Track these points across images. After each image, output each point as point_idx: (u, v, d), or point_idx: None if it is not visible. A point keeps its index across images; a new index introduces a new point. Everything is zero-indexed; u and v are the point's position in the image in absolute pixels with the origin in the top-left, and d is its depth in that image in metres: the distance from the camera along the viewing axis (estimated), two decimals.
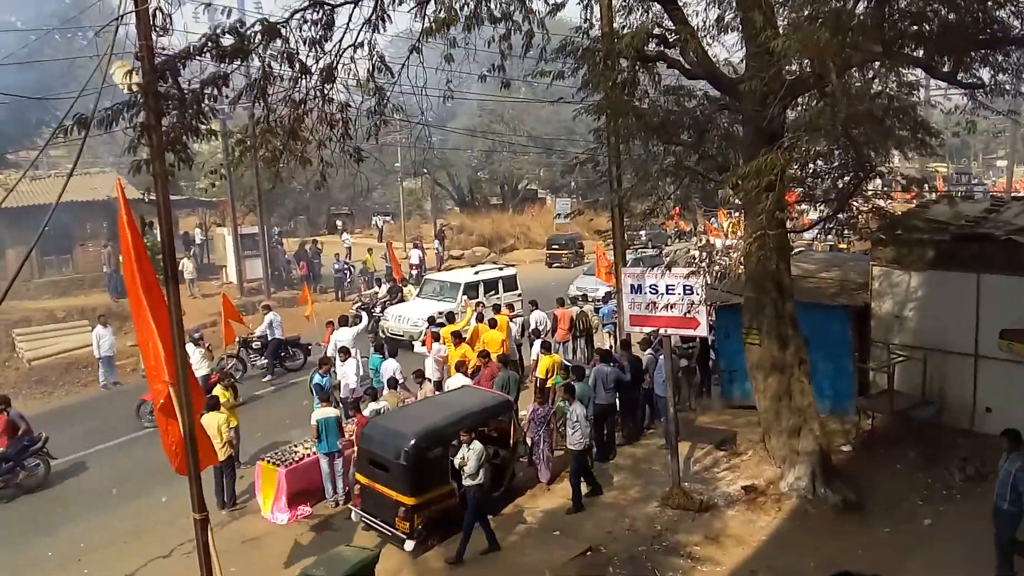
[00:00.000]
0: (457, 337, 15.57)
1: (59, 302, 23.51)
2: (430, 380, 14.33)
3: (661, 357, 12.79)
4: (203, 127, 7.23)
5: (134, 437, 14.94)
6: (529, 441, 12.18)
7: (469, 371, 14.13)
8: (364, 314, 19.89)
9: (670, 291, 10.80)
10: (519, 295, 22.64)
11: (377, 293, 24.29)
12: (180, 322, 7.74)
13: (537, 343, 15.66)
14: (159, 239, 7.83)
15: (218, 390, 12.51)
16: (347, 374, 14.45)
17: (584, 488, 11.41)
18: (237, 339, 18.41)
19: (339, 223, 43.66)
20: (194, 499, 7.86)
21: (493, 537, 10.14)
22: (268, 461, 11.84)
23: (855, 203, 11.76)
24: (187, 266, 26.18)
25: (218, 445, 11.67)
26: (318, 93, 7.77)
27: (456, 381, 13.58)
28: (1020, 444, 8.95)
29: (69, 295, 24.28)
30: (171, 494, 11.93)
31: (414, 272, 30.10)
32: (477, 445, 10.17)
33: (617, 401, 13.25)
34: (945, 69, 10.75)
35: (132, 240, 7.98)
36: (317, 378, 14.06)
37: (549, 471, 11.96)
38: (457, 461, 10.26)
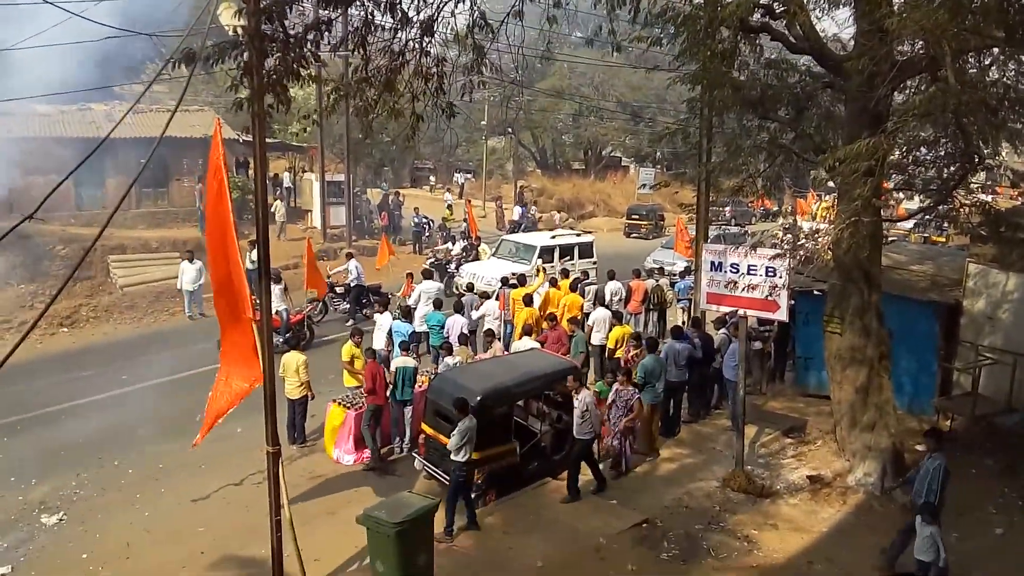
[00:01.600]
0: (528, 300, 15.62)
1: (153, 233, 24.50)
2: (499, 339, 14.44)
3: (733, 342, 12.59)
4: (303, 71, 7.34)
5: (214, 368, 15.52)
6: (607, 428, 11.43)
7: (535, 336, 14.22)
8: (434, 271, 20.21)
9: (752, 272, 10.56)
10: (594, 263, 22.52)
11: (451, 249, 24.42)
12: (267, 259, 7.99)
13: (596, 312, 15.52)
14: (251, 178, 8.05)
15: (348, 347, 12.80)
16: (455, 322, 14.71)
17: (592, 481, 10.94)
18: (328, 282, 18.96)
19: (443, 184, 44.16)
20: (268, 433, 8.18)
21: (474, 517, 9.81)
22: (339, 403, 12.20)
23: (958, 195, 11.22)
24: (279, 208, 26.90)
25: (296, 384, 12.13)
26: (416, 45, 7.79)
27: (524, 344, 13.66)
28: (942, 443, 9.27)
29: (163, 227, 25.26)
30: (246, 425, 12.37)
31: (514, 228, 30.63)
32: (466, 422, 9.66)
33: (687, 379, 13.13)
34: None
35: (219, 178, 8.24)
36: (398, 325, 14.34)
37: (628, 461, 11.40)
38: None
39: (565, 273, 18.34)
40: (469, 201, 31.17)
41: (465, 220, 31.03)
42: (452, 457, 9.73)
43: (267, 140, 10.00)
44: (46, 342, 17.68)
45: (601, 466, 11.14)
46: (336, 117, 22.10)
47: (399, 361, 12.06)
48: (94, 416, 13.43)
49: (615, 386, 11.25)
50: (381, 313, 14.99)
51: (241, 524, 9.98)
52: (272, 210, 25.86)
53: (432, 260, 22.98)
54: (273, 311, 14.82)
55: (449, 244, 24.94)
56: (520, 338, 14.41)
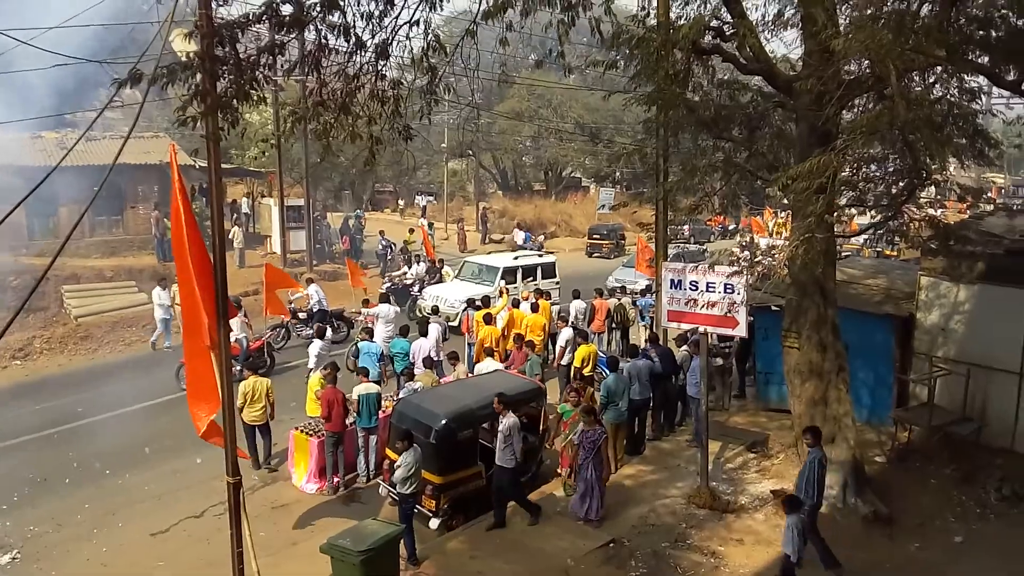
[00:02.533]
0: (488, 320, 15.62)
1: (108, 261, 24.03)
2: (463, 362, 14.39)
3: (694, 358, 12.71)
4: (255, 94, 7.29)
5: (173, 398, 15.27)
6: (569, 469, 10.95)
7: (499, 356, 14.21)
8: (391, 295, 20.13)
9: (711, 289, 10.69)
10: (557, 283, 22.62)
11: (407, 272, 24.08)
12: (225, 288, 7.88)
13: (564, 331, 15.55)
14: (206, 206, 7.97)
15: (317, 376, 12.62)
16: (420, 346, 14.63)
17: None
18: (290, 307, 18.73)
19: (421, 203, 44.11)
20: (228, 463, 8.02)
21: (413, 551, 9.54)
22: (301, 431, 12.03)
23: (907, 210, 11.50)
24: (237, 234, 26.57)
25: (260, 408, 11.97)
26: (371, 68, 7.79)
27: (488, 365, 13.63)
28: (819, 439, 9.65)
29: (118, 255, 24.79)
30: (206, 456, 12.22)
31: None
32: (410, 454, 9.53)
33: (651, 396, 13.22)
34: (1010, 77, 10.43)
35: (182, 204, 8.14)
36: (366, 346, 14.47)
37: (601, 507, 10.46)
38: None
39: (540, 293, 18.31)
40: (423, 224, 30.98)
41: (392, 245, 31.09)
42: (399, 489, 9.62)
43: (224, 166, 9.94)
44: None
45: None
46: (294, 141, 21.98)
47: (361, 388, 11.95)
48: (48, 450, 13.08)
49: (580, 426, 10.50)
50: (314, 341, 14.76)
51: (202, 557, 9.76)
52: (229, 236, 25.55)
53: (389, 284, 22.60)
54: (232, 339, 14.77)
55: (405, 268, 24.52)
56: (480, 358, 14.41)
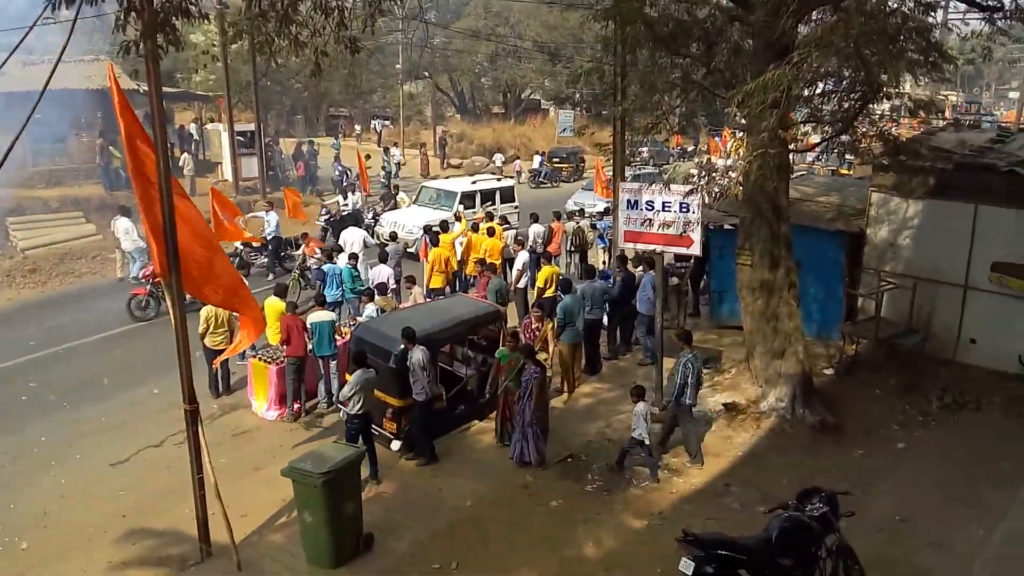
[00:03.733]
0: (435, 241, 15.79)
1: (53, 192, 23.23)
2: (419, 285, 14.34)
3: (648, 275, 12.84)
4: (192, 8, 6.97)
5: (126, 330, 15.08)
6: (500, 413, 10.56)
7: (447, 278, 14.68)
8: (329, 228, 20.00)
9: (666, 208, 10.73)
10: (516, 207, 22.50)
11: (339, 202, 22.54)
12: (172, 215, 7.69)
13: (521, 255, 15.57)
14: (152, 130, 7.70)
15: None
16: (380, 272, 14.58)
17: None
18: (241, 242, 18.23)
19: (378, 127, 43.38)
20: (184, 390, 8.00)
21: (375, 470, 9.77)
22: (260, 359, 11.98)
23: (860, 126, 11.55)
24: (187, 161, 25.79)
25: (222, 335, 11.89)
26: None
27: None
28: (690, 342, 10.33)
29: (64, 185, 23.98)
30: (163, 386, 12.13)
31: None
32: (357, 376, 9.61)
33: (605, 317, 13.38)
34: None
35: (129, 125, 7.85)
36: (334, 267, 14.59)
37: (538, 451, 10.03)
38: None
39: (491, 217, 18.19)
40: (360, 152, 28.84)
41: (381, 167, 30.43)
42: (346, 409, 9.73)
43: (168, 89, 9.54)
44: None
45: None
46: (241, 61, 21.15)
47: (315, 316, 11.87)
48: (1, 384, 12.86)
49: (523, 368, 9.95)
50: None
51: (163, 486, 9.77)
52: (180, 163, 24.83)
53: (327, 215, 21.41)
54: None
55: (339, 197, 23.02)
56: (429, 279, 14.57)
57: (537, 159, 36.13)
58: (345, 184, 27.86)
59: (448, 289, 15.37)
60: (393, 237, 16.69)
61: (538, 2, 37.84)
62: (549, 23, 41.73)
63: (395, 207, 23.04)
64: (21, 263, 19.29)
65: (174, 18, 6.82)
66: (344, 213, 21.34)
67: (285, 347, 11.56)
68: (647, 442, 9.71)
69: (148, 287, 15.34)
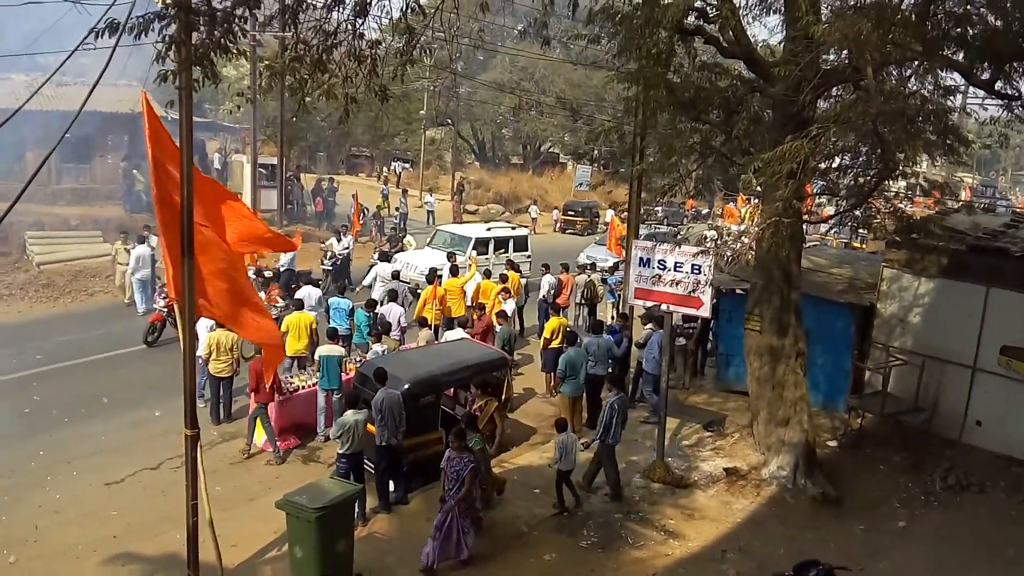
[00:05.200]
0: (430, 280, 15.98)
1: (74, 210, 23.61)
2: (429, 328, 14.41)
3: (656, 334, 12.87)
4: (232, 46, 7.20)
5: (133, 351, 15.14)
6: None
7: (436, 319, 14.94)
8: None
9: (678, 268, 10.80)
10: (528, 256, 22.64)
11: (333, 245, 20.87)
12: (192, 242, 7.80)
13: (509, 302, 15.57)
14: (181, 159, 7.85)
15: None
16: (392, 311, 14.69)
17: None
18: (252, 267, 18.37)
19: (397, 169, 43.76)
20: (187, 415, 8.00)
21: (362, 511, 9.68)
22: None
23: (875, 202, 11.68)
24: None
25: (226, 362, 11.94)
26: (349, 26, 7.72)
27: (455, 334, 13.69)
28: (618, 384, 11.04)
29: (84, 204, 24.37)
30: (164, 409, 12.17)
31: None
32: (346, 416, 9.57)
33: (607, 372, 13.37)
34: (984, 77, 10.60)
35: (159, 151, 8.02)
36: (337, 302, 14.73)
37: (467, 547, 8.81)
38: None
39: (511, 265, 18.34)
40: (356, 194, 27.69)
41: (396, 208, 30.63)
42: (337, 449, 9.69)
43: (198, 119, 9.81)
44: None
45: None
46: (270, 98, 21.60)
47: (324, 349, 11.93)
48: (4, 397, 12.90)
49: (447, 452, 8.99)
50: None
51: (157, 509, 9.74)
52: None
53: (330, 258, 20.51)
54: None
55: (333, 239, 21.25)
56: (418, 313, 14.98)
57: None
58: (340, 227, 28.09)
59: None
60: (395, 276, 16.74)
61: (563, 60, 38.62)
62: (573, 80, 42.51)
63: (402, 250, 23.10)
64: (36, 277, 19.51)
65: (212, 54, 7.03)
66: (341, 257, 20.67)
67: (253, 395, 11.48)
68: (562, 470, 10.12)
69: (165, 314, 15.10)
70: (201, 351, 11.89)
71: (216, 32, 6.81)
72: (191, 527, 8.02)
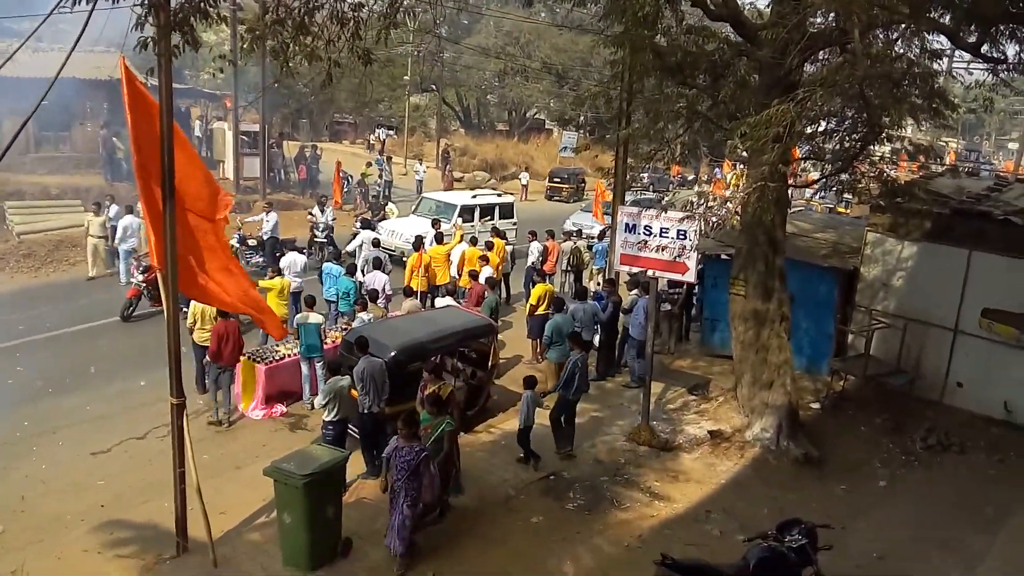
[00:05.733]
0: (417, 247, 16.11)
1: (54, 179, 23.19)
2: (415, 296, 14.38)
3: (641, 299, 12.92)
4: (212, 10, 7.05)
5: (116, 321, 15.04)
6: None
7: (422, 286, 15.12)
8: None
9: (664, 234, 10.80)
10: (515, 223, 22.58)
11: (314, 217, 20.32)
12: (173, 212, 7.72)
13: (486, 269, 15.55)
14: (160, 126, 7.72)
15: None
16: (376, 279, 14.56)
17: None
18: (236, 234, 18.30)
19: (381, 135, 42.83)
20: (172, 384, 7.99)
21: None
22: (249, 357, 11.98)
23: (860, 166, 11.69)
24: None
25: (208, 332, 11.86)
26: None
27: (444, 301, 13.70)
28: (580, 344, 11.04)
29: (64, 173, 23.95)
30: (150, 379, 12.11)
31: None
32: (331, 383, 9.73)
33: (596, 338, 13.43)
34: (971, 40, 10.56)
35: (139, 119, 7.88)
36: (331, 268, 14.73)
37: (403, 542, 8.04)
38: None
39: (496, 232, 18.28)
40: (339, 163, 27.76)
41: (379, 176, 30.35)
42: (323, 417, 9.76)
43: (177, 86, 9.63)
44: None
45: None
46: (250, 63, 21.22)
47: (301, 317, 11.94)
48: None
49: (393, 440, 8.18)
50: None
51: (144, 478, 9.74)
52: None
53: (323, 230, 20.08)
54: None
55: (316, 210, 20.44)
56: (409, 279, 15.00)
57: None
58: (346, 189, 27.89)
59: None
60: (376, 244, 16.66)
61: (549, 24, 38.23)
62: (559, 45, 42.12)
63: (384, 218, 22.95)
64: (16, 247, 19.25)
65: (192, 19, 6.89)
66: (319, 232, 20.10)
67: (211, 357, 11.36)
68: (521, 424, 10.39)
69: (142, 288, 14.95)
70: (187, 321, 11.85)
71: None
72: (179, 495, 8.07)
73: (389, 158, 33.53)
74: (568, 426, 10.91)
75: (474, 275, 15.01)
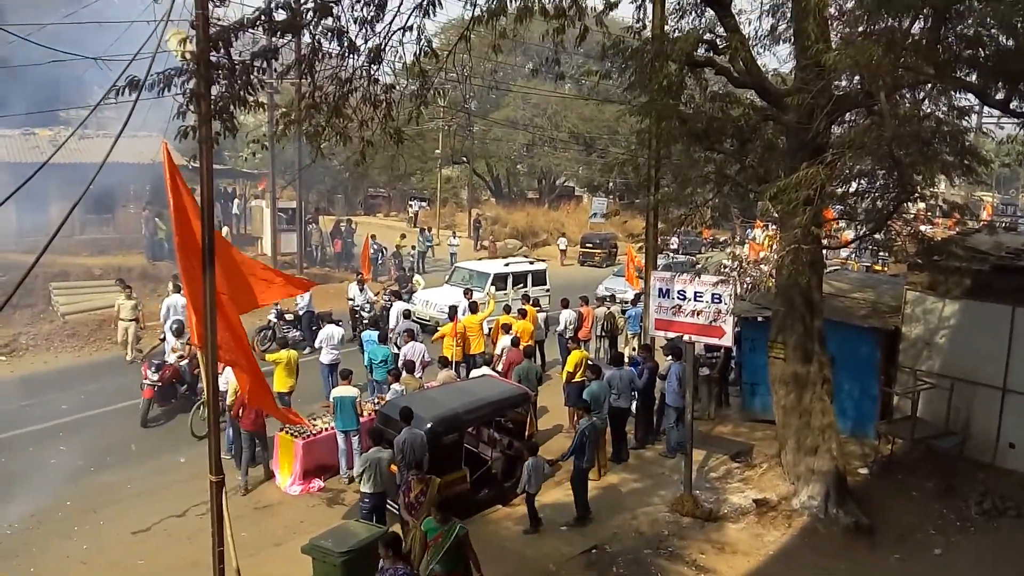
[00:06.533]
0: (451, 316, 16.20)
1: (97, 260, 23.93)
2: (450, 366, 14.39)
3: (673, 365, 12.79)
4: (250, 98, 7.35)
5: None
6: None
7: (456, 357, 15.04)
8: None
9: (698, 298, 10.76)
10: (547, 291, 22.66)
11: (352, 300, 20.18)
12: (214, 287, 7.89)
13: (502, 339, 15.47)
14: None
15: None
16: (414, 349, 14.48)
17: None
18: (274, 309, 18.58)
19: (414, 208, 44.15)
20: (212, 461, 8.01)
21: None
22: (287, 432, 12.02)
23: (894, 225, 11.61)
24: (227, 235, 26.53)
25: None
26: (364, 73, 7.85)
27: (478, 371, 13.70)
28: (588, 411, 11.23)
29: (107, 254, 24.71)
30: (189, 455, 12.24)
31: None
32: (369, 453, 9.83)
33: (633, 406, 13.26)
34: (999, 96, 10.55)
35: (179, 200, 8.17)
36: (373, 345, 14.76)
37: None
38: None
39: (528, 300, 18.39)
40: (371, 237, 27.70)
41: (412, 247, 30.83)
42: (360, 488, 9.74)
43: (217, 167, 9.99)
44: None
45: None
46: (286, 143, 21.94)
47: (338, 391, 12.01)
48: (31, 447, 13.02)
49: (380, 564, 7.64)
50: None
51: (183, 556, 9.72)
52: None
53: (369, 312, 19.88)
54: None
55: (354, 286, 20.33)
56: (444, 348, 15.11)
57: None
58: (380, 261, 28.28)
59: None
60: (407, 315, 16.80)
61: (575, 96, 39.03)
62: (585, 115, 42.91)
63: (412, 290, 23.03)
64: (61, 328, 19.74)
65: (232, 106, 7.18)
66: (356, 309, 19.87)
67: (240, 420, 11.82)
68: (530, 492, 10.43)
69: (155, 389, 14.08)
70: (228, 399, 12.00)
71: (236, 85, 6.95)
72: (218, 574, 8.00)
73: (423, 229, 34.14)
74: (583, 494, 10.91)
75: (515, 342, 15.04)
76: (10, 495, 11.33)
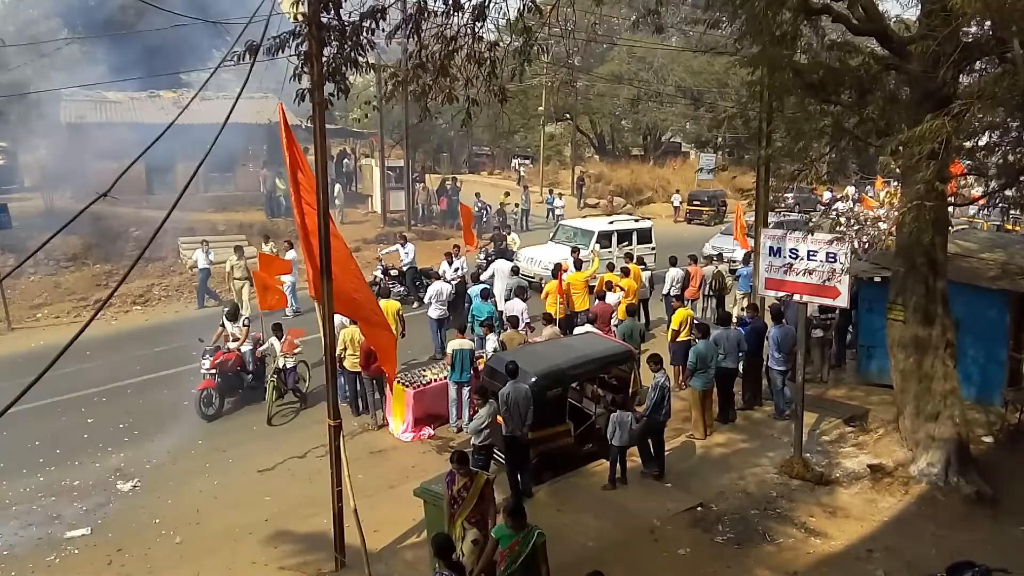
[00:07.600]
0: (555, 274, 16.10)
1: (220, 216, 25.30)
2: (554, 323, 14.50)
3: (774, 328, 12.51)
4: (361, 59, 7.56)
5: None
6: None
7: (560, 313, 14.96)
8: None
9: (811, 256, 10.42)
10: (652, 248, 22.38)
11: (445, 274, 17.85)
12: (328, 246, 8.25)
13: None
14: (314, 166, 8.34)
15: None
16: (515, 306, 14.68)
17: None
18: (379, 265, 19.26)
19: (517, 166, 44.41)
20: (329, 406, 8.49)
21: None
22: (399, 382, 12.48)
23: None
24: (339, 193, 27.46)
25: (357, 356, 12.45)
26: (469, 31, 7.91)
27: (581, 328, 13.76)
28: (661, 365, 11.05)
29: (229, 210, 26.06)
30: (309, 401, 12.93)
31: None
32: (486, 408, 9.90)
33: (741, 366, 13.04)
34: None
35: (294, 159, 8.60)
36: (479, 304, 14.80)
37: None
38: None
39: (631, 258, 18.31)
40: (464, 208, 22.26)
41: (516, 205, 30.95)
42: (472, 441, 10.02)
43: (329, 126, 10.32)
44: (120, 319, 18.56)
45: None
46: (394, 103, 22.38)
47: (455, 343, 12.31)
48: (166, 389, 14.06)
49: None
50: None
51: (304, 495, 10.37)
52: (333, 195, 26.41)
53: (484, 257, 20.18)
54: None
55: (445, 265, 18.27)
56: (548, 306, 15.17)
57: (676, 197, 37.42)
58: (485, 219, 28.50)
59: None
60: (515, 272, 16.97)
61: (682, 48, 37.88)
62: (693, 68, 41.56)
63: (506, 248, 22.94)
64: (189, 279, 21.02)
65: (343, 68, 7.41)
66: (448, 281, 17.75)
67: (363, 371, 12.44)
68: (616, 445, 10.39)
69: (216, 379, 13.08)
70: (337, 349, 12.51)
71: (347, 46, 7.16)
72: (336, 512, 8.53)
73: (526, 187, 34.27)
74: (661, 448, 10.93)
75: (601, 296, 15.07)
76: (149, 434, 12.33)
